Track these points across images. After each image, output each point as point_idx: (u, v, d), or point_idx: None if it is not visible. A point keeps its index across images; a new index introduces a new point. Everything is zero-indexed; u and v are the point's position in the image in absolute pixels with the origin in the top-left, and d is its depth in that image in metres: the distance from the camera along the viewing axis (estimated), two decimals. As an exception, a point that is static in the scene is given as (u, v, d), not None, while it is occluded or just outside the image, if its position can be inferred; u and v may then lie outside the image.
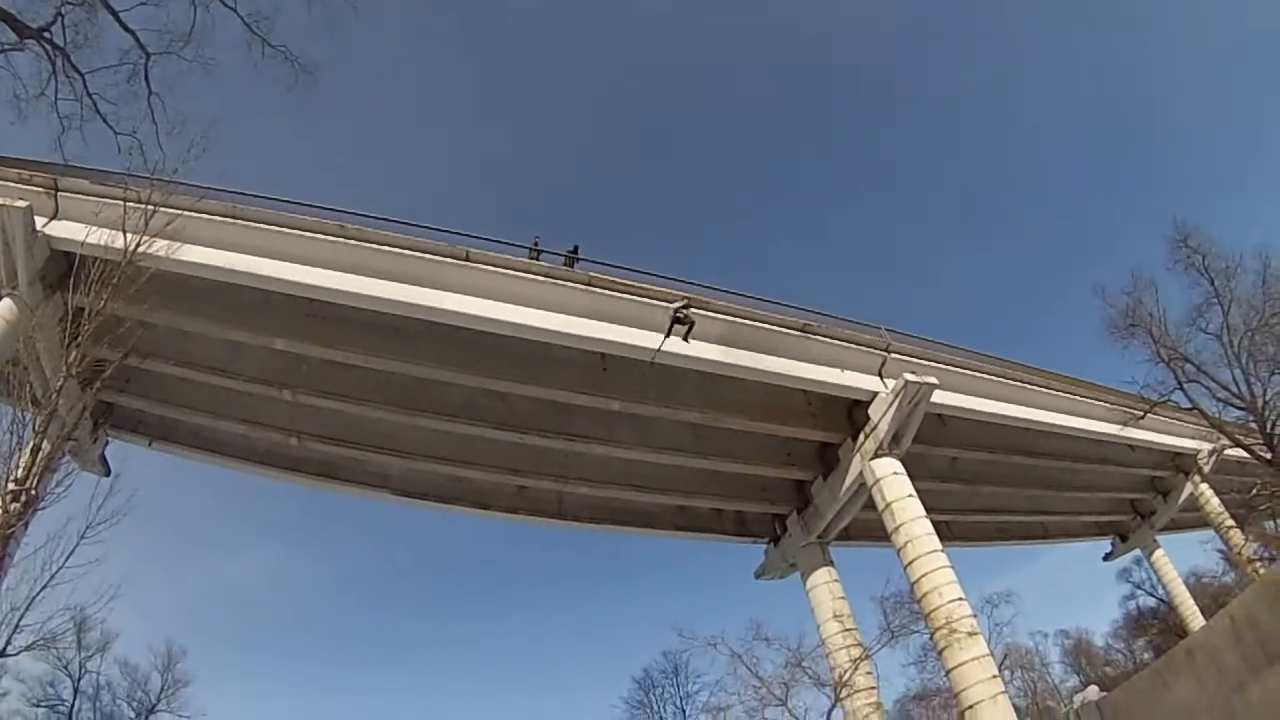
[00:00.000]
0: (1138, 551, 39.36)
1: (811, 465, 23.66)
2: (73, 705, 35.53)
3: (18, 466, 12.98)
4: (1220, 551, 34.83)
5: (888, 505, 20.59)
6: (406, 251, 18.17)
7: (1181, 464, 33.72)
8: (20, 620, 13.19)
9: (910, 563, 20.12)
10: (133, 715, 37.65)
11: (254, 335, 19.41)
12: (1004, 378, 24.50)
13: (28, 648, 13.60)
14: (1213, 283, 23.08)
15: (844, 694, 19.44)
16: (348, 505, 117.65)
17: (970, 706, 18.38)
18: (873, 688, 20.74)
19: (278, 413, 21.75)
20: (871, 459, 21.07)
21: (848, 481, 22.08)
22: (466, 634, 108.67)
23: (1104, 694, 6.88)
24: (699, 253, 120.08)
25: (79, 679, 35.76)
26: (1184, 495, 34.34)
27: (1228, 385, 23.55)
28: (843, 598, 22.92)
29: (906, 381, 20.58)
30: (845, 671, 19.98)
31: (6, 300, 17.86)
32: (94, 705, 36.48)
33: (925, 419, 21.58)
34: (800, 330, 20.71)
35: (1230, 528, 31.28)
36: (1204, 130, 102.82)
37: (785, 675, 19.91)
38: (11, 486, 12.88)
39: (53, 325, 15.99)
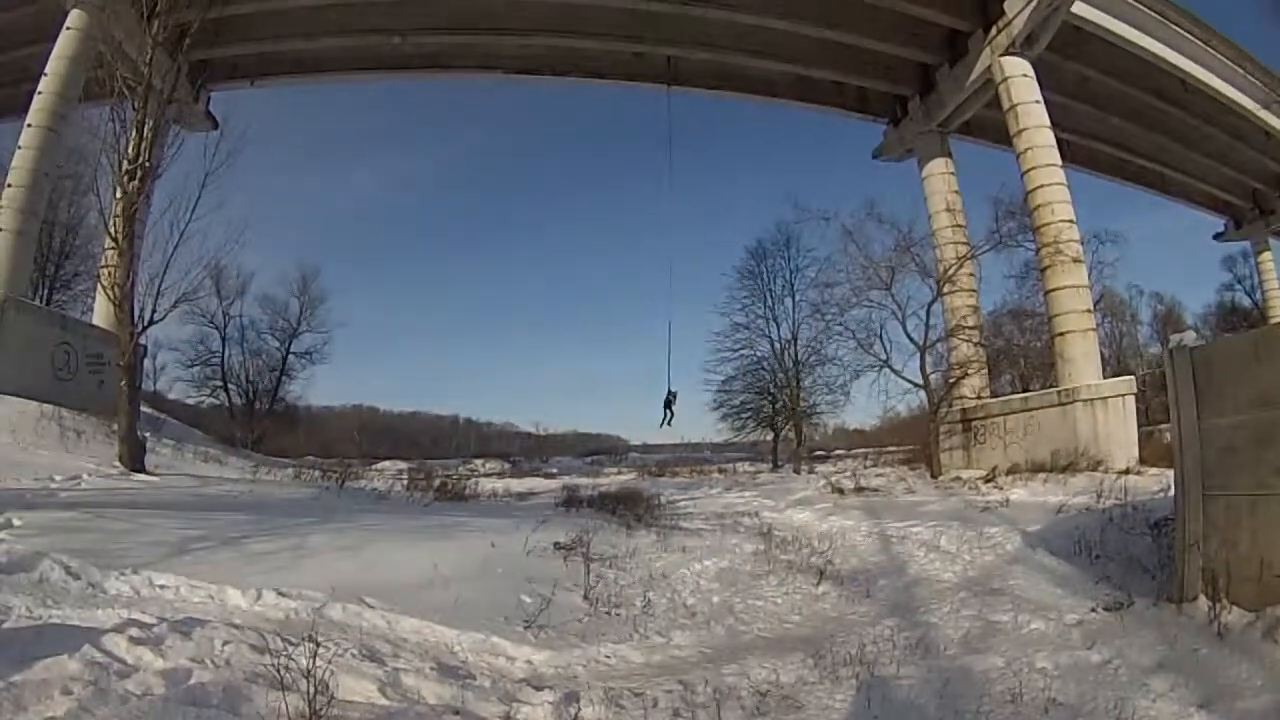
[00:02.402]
0: (1247, 245, 37.36)
1: (939, 50, 22.23)
2: (223, 354, 37.90)
3: (128, 146, 13.28)
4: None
5: (1013, 107, 19.55)
6: None
7: (1313, 175, 30.72)
8: (161, 285, 13.93)
9: (1027, 171, 19.48)
10: (278, 344, 40.01)
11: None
12: (1158, 13, 21.63)
13: (172, 308, 14.39)
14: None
15: (946, 289, 19.64)
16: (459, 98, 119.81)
17: (1061, 334, 18.78)
18: (973, 290, 20.95)
19: (376, 17, 21.35)
20: (1002, 55, 19.66)
21: (974, 74, 20.81)
22: (583, 210, 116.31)
23: (1199, 342, 6.48)
24: None
25: (224, 328, 37.73)
26: (1306, 206, 31.75)
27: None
28: (956, 192, 22.62)
29: (1049, -19, 18.43)
30: (950, 267, 19.99)
31: (74, 11, 17.66)
32: (241, 347, 38.83)
33: (1062, 28, 19.68)
34: (937, -95, 18.26)
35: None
36: None
37: (892, 259, 19.79)
38: (125, 166, 13.07)
39: (127, 10, 15.57)
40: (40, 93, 17.63)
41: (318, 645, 4.15)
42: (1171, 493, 7.85)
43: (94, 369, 17.44)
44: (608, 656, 5.79)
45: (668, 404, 19.47)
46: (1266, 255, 35.86)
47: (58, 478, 10.86)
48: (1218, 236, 37.45)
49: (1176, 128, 27.00)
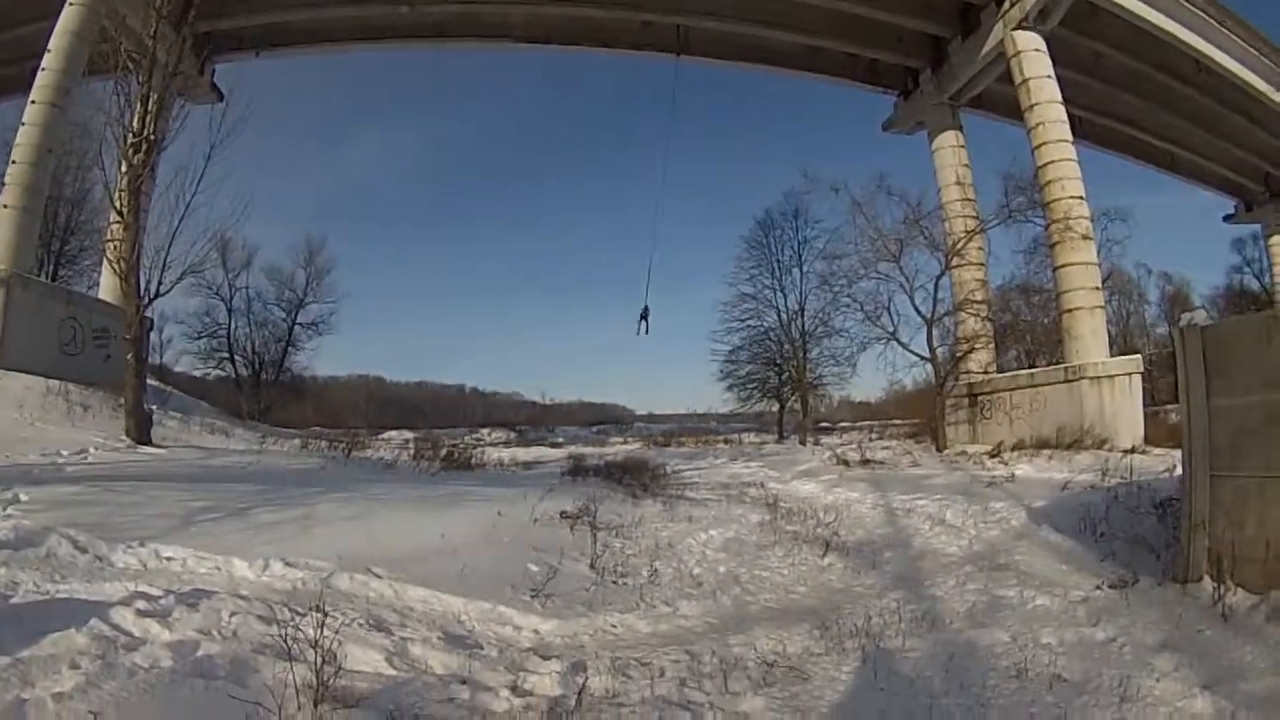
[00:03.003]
0: (1257, 228, 37.22)
1: (951, 22, 22.06)
2: (229, 326, 37.50)
3: (133, 119, 13.17)
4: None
5: (1025, 81, 19.45)
6: None
7: (1327, 160, 30.39)
8: (167, 258, 13.92)
9: (1038, 146, 19.39)
10: (284, 316, 39.45)
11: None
12: None
13: (178, 280, 14.44)
14: None
15: (954, 262, 19.56)
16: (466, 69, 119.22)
17: (1070, 310, 18.76)
18: (982, 264, 20.84)
19: (384, -15, 21.21)
20: (1014, 29, 19.52)
21: (987, 47, 20.67)
22: (590, 185, 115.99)
23: (1210, 322, 6.37)
24: None
25: (230, 300, 37.34)
26: (1318, 193, 31.40)
27: None
28: (967, 165, 22.45)
29: (1062, -44, 18.24)
30: (959, 240, 19.89)
31: None
32: (248, 319, 38.47)
33: (1075, 3, 19.55)
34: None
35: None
36: None
37: (901, 232, 19.78)
38: (130, 140, 12.95)
39: None
40: (44, 69, 17.49)
41: (325, 615, 4.16)
42: (1177, 473, 7.86)
43: (100, 343, 17.45)
44: (614, 626, 5.80)
45: (643, 316, 20.40)
46: (1277, 239, 35.69)
47: (65, 452, 10.88)
48: (1228, 218, 37.30)
49: (1189, 107, 26.76)
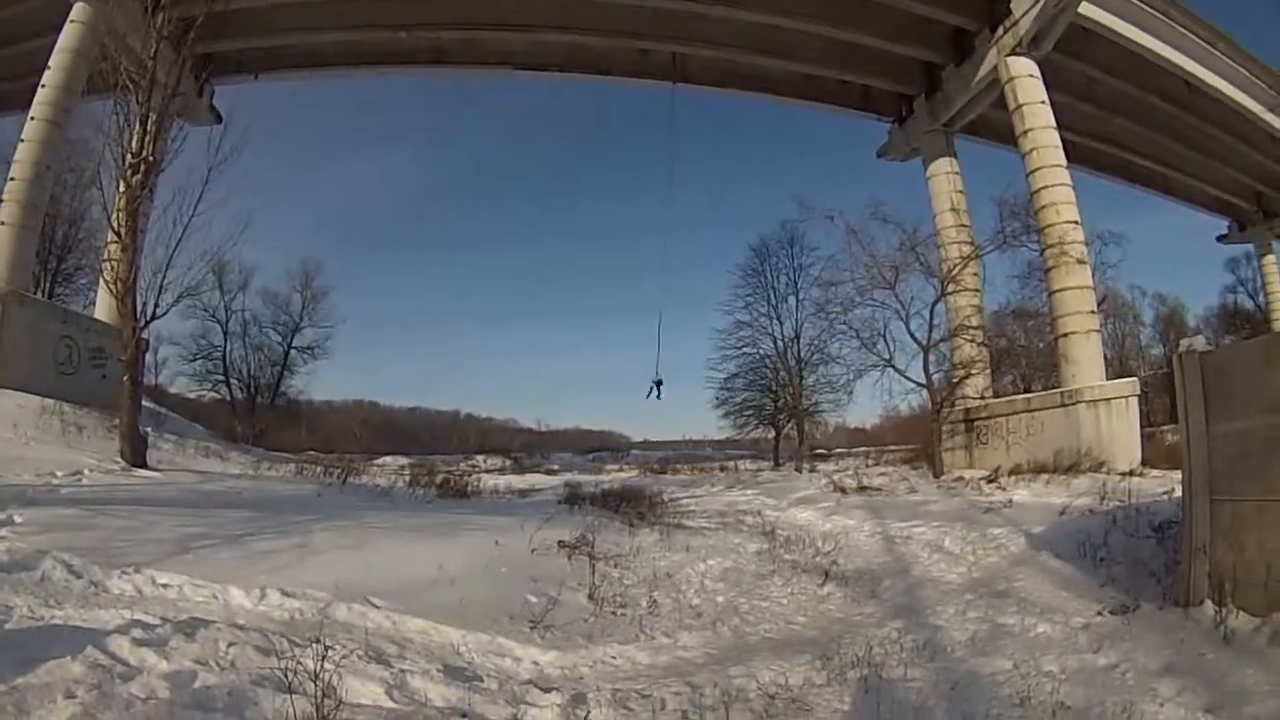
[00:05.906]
0: (1250, 248, 37.56)
1: (944, 50, 22.12)
2: (224, 348, 38.09)
3: (131, 140, 13.14)
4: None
5: (1019, 107, 19.49)
6: None
7: (1317, 184, 30.87)
8: (164, 280, 13.69)
9: (1033, 172, 19.42)
10: (279, 339, 40.22)
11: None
12: (1163, 14, 21.59)
13: (175, 303, 14.19)
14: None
15: (950, 289, 19.57)
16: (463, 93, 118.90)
17: (1065, 335, 18.72)
18: (977, 290, 20.87)
19: (381, 11, 21.43)
20: (1008, 55, 19.58)
21: (980, 73, 20.72)
22: (586, 208, 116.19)
23: (1208, 348, 6.42)
24: None
25: (226, 322, 38.04)
26: (1309, 217, 31.86)
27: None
28: (961, 191, 22.54)
29: (1054, -18, 18.41)
30: (955, 266, 19.95)
31: (78, 4, 17.68)
32: (243, 341, 39.01)
33: (1068, 28, 19.65)
34: (939, -98, 18.15)
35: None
36: None
37: (897, 259, 19.81)
38: (129, 160, 13.01)
39: (131, 3, 15.75)
40: (43, 85, 17.54)
41: (326, 648, 4.11)
42: (1175, 495, 7.84)
43: (96, 363, 17.38)
44: (614, 657, 5.76)
45: (656, 384, 21.23)
46: (1270, 258, 35.92)
47: (59, 473, 10.75)
48: (1221, 239, 37.52)
49: (1181, 129, 26.97)
